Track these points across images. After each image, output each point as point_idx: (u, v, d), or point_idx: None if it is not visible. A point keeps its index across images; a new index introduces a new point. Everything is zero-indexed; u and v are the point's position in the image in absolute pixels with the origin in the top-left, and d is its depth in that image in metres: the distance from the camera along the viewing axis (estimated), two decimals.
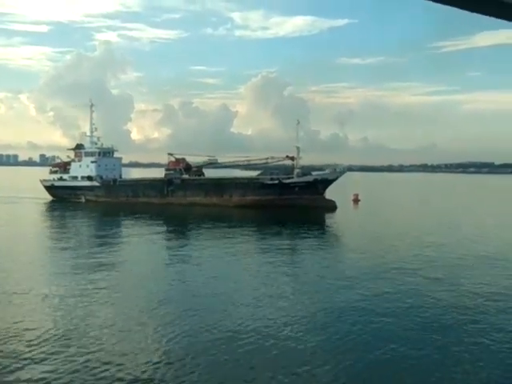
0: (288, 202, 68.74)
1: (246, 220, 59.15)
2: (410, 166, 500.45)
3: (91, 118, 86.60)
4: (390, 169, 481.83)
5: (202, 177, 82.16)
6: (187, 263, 32.89)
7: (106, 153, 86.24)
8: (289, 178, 71.62)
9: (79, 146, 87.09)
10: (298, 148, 73.00)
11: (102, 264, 32.08)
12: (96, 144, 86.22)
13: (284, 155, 76.03)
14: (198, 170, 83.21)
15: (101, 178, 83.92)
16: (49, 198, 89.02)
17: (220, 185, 75.78)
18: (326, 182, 71.63)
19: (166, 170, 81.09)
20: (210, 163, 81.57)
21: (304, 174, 72.30)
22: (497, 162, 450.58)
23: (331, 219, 62.28)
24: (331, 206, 70.31)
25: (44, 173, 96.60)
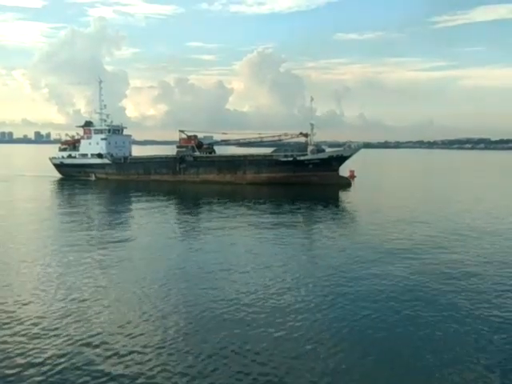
0: (302, 180, 68.78)
1: (260, 197, 58.75)
2: (407, 142, 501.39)
3: (100, 95, 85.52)
4: (386, 145, 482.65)
5: (213, 154, 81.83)
6: (199, 240, 32.55)
7: (116, 130, 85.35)
8: (303, 155, 71.30)
9: (88, 123, 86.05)
10: (312, 125, 72.57)
11: (112, 238, 33.11)
12: (105, 121, 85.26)
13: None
14: (209, 147, 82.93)
15: (111, 155, 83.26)
16: (57, 175, 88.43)
17: (233, 162, 75.34)
18: (341, 159, 71.46)
19: (178, 147, 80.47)
20: (223, 140, 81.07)
21: (318, 151, 72.03)
22: (493, 138, 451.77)
23: (334, 196, 62.18)
24: (345, 183, 70.51)
25: (41, 150, 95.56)
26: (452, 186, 75.39)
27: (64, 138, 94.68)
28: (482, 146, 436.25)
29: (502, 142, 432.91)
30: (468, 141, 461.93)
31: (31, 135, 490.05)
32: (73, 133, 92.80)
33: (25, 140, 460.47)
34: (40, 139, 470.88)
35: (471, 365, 14.62)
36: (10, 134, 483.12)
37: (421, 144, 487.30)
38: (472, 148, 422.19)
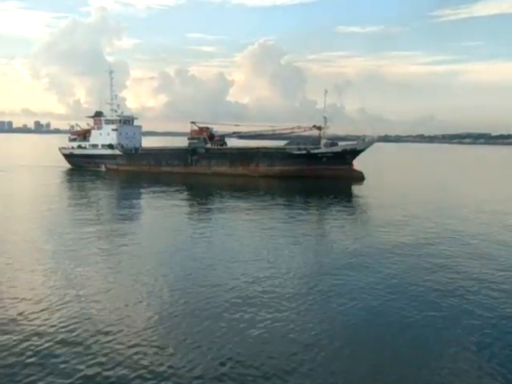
0: (315, 173, 68.52)
1: (273, 190, 58.63)
2: (407, 136, 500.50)
3: (111, 85, 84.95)
4: (386, 139, 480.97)
5: (224, 146, 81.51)
6: (208, 234, 32.05)
7: (127, 120, 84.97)
8: (316, 149, 71.09)
9: (98, 114, 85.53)
10: (325, 118, 72.29)
11: (121, 229, 33.49)
12: (116, 112, 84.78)
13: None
14: (220, 139, 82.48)
15: (122, 146, 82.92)
16: (66, 166, 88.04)
17: (246, 154, 74.93)
18: (355, 153, 71.27)
19: (189, 138, 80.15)
20: (234, 132, 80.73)
21: (332, 145, 71.84)
22: (493, 133, 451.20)
23: (347, 189, 62.47)
24: (359, 177, 70.30)
25: (43, 140, 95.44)
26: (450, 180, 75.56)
27: (75, 128, 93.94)
28: (482, 141, 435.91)
29: (502, 137, 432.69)
30: (468, 135, 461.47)
31: (31, 125, 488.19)
32: (83, 123, 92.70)
33: (24, 130, 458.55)
34: (40, 129, 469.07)
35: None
36: (10, 123, 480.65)
37: (421, 138, 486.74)
38: (472, 143, 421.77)
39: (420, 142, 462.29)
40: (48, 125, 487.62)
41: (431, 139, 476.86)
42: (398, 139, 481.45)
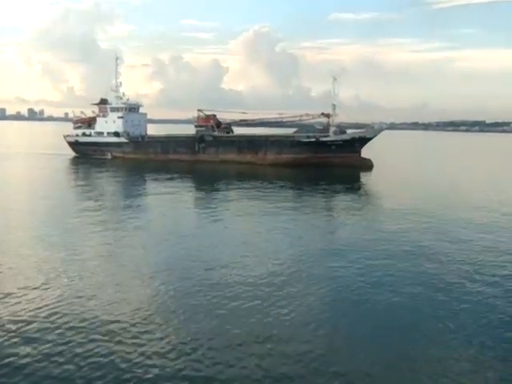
0: (324, 161, 68.43)
1: (281, 179, 58.45)
2: (402, 124, 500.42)
3: (116, 73, 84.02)
4: None
5: (231, 134, 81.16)
6: (216, 223, 31.62)
7: (132, 108, 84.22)
8: (325, 136, 70.95)
9: (104, 101, 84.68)
10: (334, 105, 72.11)
11: (128, 219, 33.43)
12: (121, 99, 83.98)
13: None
14: (227, 126, 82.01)
15: (128, 134, 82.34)
16: (71, 154, 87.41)
17: (254, 142, 74.55)
18: (364, 141, 71.27)
19: (196, 126, 79.77)
20: (242, 120, 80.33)
21: (341, 132, 71.77)
22: (488, 121, 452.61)
23: (355, 177, 62.80)
24: (368, 165, 70.41)
25: (39, 127, 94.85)
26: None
27: (74, 115, 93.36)
28: (477, 128, 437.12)
29: (496, 124, 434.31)
30: (463, 123, 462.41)
31: (24, 112, 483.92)
32: (79, 110, 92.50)
33: (18, 117, 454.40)
34: (33, 116, 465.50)
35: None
36: (3, 110, 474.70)
37: (416, 126, 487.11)
38: (467, 130, 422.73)
39: (415, 129, 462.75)
40: (42, 112, 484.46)
41: (426, 127, 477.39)
42: (392, 126, 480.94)
